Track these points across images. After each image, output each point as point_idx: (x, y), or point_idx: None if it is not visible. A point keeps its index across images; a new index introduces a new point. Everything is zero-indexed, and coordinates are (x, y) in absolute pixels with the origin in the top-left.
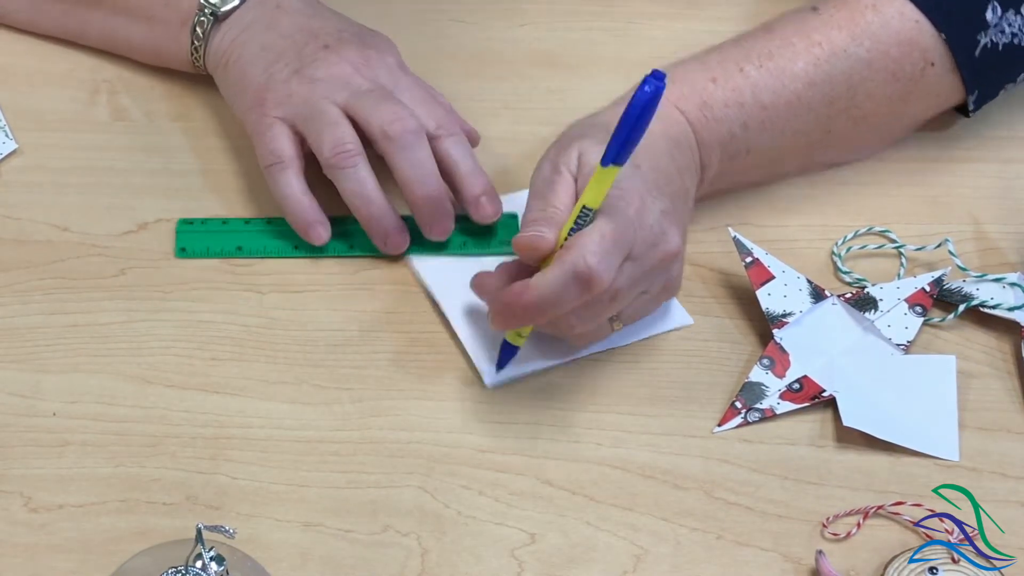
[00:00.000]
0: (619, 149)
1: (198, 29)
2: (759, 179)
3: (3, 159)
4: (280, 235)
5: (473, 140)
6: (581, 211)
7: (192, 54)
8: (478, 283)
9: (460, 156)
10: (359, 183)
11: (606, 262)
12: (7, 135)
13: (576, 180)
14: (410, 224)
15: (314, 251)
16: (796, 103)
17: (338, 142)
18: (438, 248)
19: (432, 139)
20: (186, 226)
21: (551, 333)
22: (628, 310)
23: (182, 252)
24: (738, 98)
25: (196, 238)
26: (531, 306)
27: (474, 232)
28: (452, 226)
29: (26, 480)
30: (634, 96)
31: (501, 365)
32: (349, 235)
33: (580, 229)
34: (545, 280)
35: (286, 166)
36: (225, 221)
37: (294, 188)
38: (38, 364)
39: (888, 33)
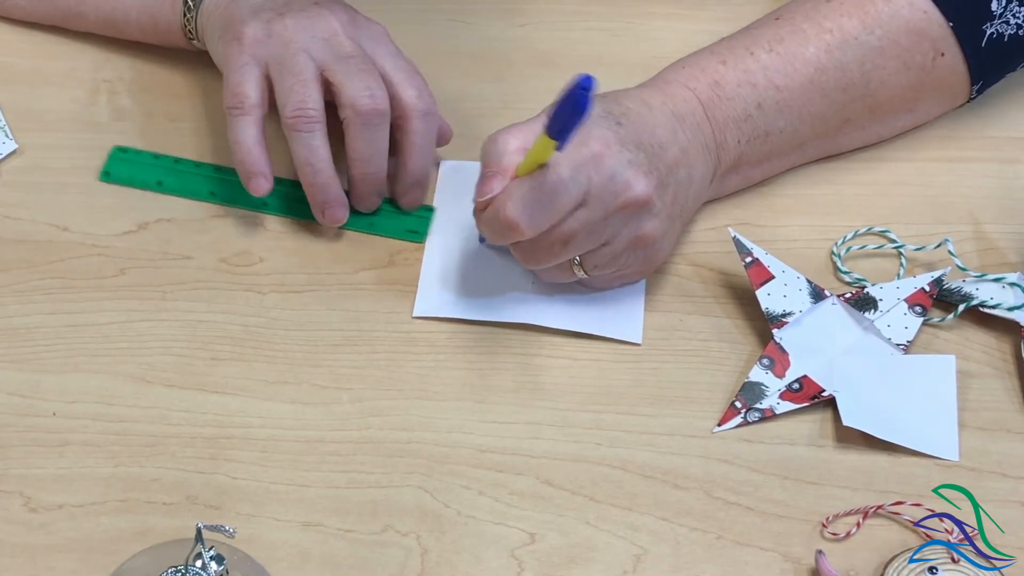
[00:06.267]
0: (555, 126)
1: None
2: (785, 166)
3: (3, 159)
4: (201, 179)
5: (446, 136)
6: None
7: (184, 15)
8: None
9: (421, 139)
10: (311, 150)
11: (527, 213)
12: (7, 135)
13: None
14: None
15: (228, 200)
16: (809, 87)
17: (301, 103)
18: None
19: (408, 108)
20: (120, 153)
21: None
22: (592, 258)
23: (106, 175)
24: (750, 79)
25: (124, 166)
26: (481, 227)
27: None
28: (378, 205)
29: (26, 480)
30: (567, 94)
31: (482, 240)
32: (287, 198)
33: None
34: (483, 216)
35: (246, 112)
36: (157, 156)
37: (248, 136)
38: (38, 364)
39: (898, 22)
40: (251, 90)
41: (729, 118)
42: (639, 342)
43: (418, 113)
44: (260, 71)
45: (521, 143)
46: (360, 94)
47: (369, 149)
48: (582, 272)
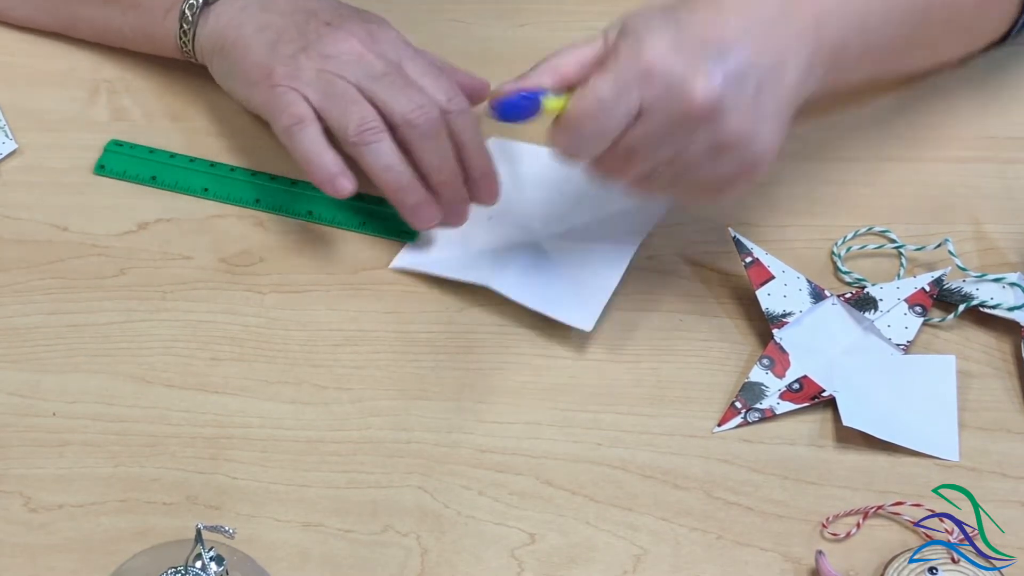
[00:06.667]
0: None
1: (187, 12)
2: (871, 75)
3: (3, 159)
4: (196, 175)
5: (483, 93)
6: None
7: (180, 38)
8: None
9: (469, 136)
10: (388, 156)
11: (573, 142)
12: (7, 135)
13: (605, 42)
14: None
15: (222, 197)
16: (905, 5)
17: (362, 119)
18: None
19: (442, 113)
20: (115, 147)
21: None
22: (670, 170)
23: (100, 169)
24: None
25: (118, 160)
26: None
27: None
28: (468, 212)
29: (26, 480)
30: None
31: (507, 112)
32: (275, 194)
33: None
34: (555, 137)
35: (307, 124)
36: (152, 151)
37: (317, 142)
38: (38, 364)
39: None
40: (303, 108)
41: (831, 43)
42: (588, 329)
43: (452, 116)
44: (302, 97)
45: (577, 60)
46: (409, 109)
47: (438, 157)
48: (666, 186)
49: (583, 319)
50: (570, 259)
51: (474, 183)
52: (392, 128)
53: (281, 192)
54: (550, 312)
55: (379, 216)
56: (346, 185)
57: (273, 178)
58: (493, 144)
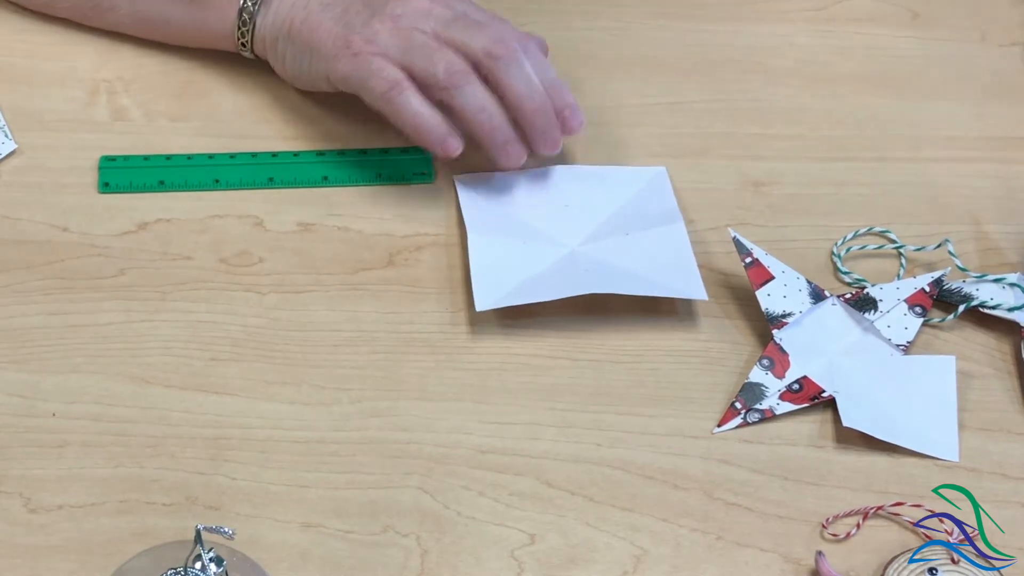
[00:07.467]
0: None
1: (249, 3)
2: None
3: (3, 159)
4: (200, 170)
5: (543, 50)
6: None
7: (239, 28)
8: None
9: (542, 70)
10: (481, 98)
11: None
12: (7, 135)
13: None
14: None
15: (234, 185)
16: None
17: (449, 64)
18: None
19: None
20: (108, 162)
21: None
22: None
23: (105, 187)
24: None
25: (119, 174)
26: None
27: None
28: (560, 137)
29: (26, 480)
30: None
31: None
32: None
33: None
34: None
35: (404, 88)
36: (147, 157)
37: (421, 105)
38: (38, 365)
39: None
40: (394, 71)
41: None
42: (705, 298)
43: (526, 55)
44: (389, 61)
45: None
46: (489, 43)
47: (526, 85)
48: None
49: (692, 288)
50: (631, 253)
51: (558, 115)
52: (475, 66)
53: (288, 166)
54: (657, 292)
55: (389, 164)
56: (456, 145)
57: (275, 155)
58: (476, 176)
